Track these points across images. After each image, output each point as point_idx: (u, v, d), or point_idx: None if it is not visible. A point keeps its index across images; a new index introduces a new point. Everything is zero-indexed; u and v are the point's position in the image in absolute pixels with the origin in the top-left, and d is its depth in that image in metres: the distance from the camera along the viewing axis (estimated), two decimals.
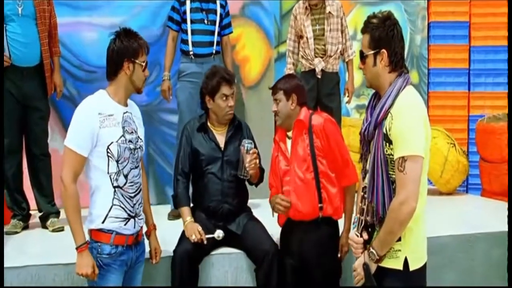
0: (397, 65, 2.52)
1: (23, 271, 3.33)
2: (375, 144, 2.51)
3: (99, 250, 2.79)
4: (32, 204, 4.40)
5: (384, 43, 2.48)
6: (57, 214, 4.34)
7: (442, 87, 7.21)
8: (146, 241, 3.18)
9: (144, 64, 2.88)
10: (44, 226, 4.32)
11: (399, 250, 2.50)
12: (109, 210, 2.79)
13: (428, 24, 7.24)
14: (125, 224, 2.83)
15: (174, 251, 3.40)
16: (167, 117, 5.23)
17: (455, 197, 5.59)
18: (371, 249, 2.50)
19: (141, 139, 2.96)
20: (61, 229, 4.19)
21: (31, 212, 4.41)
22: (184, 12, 4.70)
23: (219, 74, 3.54)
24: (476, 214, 4.81)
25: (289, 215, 3.33)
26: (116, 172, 2.79)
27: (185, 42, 4.74)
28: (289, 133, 3.37)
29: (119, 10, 5.10)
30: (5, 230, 4.08)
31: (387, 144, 2.46)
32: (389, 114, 2.45)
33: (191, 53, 4.69)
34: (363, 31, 2.56)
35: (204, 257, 3.54)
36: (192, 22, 4.69)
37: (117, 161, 2.78)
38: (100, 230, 2.80)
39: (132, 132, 2.88)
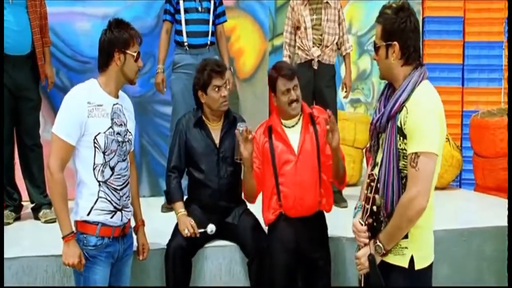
0: (410, 58, 2.42)
1: (15, 262, 3.31)
2: (388, 137, 2.43)
3: (85, 241, 2.76)
4: (24, 195, 4.37)
5: (395, 35, 2.39)
6: (49, 205, 4.29)
7: (436, 82, 7.10)
8: (135, 235, 3.15)
9: (135, 54, 2.83)
10: (36, 217, 4.29)
11: (406, 248, 2.44)
12: (95, 203, 2.76)
13: (423, 19, 7.23)
14: (111, 217, 2.79)
15: (168, 244, 3.39)
16: (161, 108, 5.20)
17: (449, 191, 5.59)
18: (378, 242, 2.43)
19: (130, 132, 2.92)
20: (53, 221, 4.15)
21: (23, 203, 4.38)
22: (178, 2, 4.67)
23: (209, 67, 3.50)
24: (469, 209, 4.82)
25: (286, 212, 3.28)
26: (102, 164, 2.75)
27: (179, 32, 4.71)
28: (286, 122, 3.32)
29: (113, 0, 5.05)
30: None
31: (401, 138, 2.38)
32: (404, 108, 2.37)
33: (185, 44, 4.66)
34: (377, 20, 2.47)
35: (197, 250, 3.53)
36: (186, 11, 4.66)
37: (103, 153, 2.75)
38: (86, 221, 2.76)
39: (121, 125, 2.84)
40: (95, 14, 4.99)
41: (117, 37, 2.78)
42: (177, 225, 3.45)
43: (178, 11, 4.68)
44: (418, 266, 2.44)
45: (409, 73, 2.42)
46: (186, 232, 3.32)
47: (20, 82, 4.14)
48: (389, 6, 2.45)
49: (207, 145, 3.54)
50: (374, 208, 2.44)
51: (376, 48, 2.48)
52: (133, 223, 3.11)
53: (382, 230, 2.44)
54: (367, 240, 2.48)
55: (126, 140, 2.88)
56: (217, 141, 3.55)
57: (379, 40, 2.46)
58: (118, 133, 2.81)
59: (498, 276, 4.00)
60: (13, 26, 4.07)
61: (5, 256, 3.25)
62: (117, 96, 2.88)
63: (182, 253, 3.35)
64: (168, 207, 4.49)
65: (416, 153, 2.31)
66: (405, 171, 2.39)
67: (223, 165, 3.54)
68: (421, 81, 2.39)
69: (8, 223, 4.12)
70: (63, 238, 2.71)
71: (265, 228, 3.47)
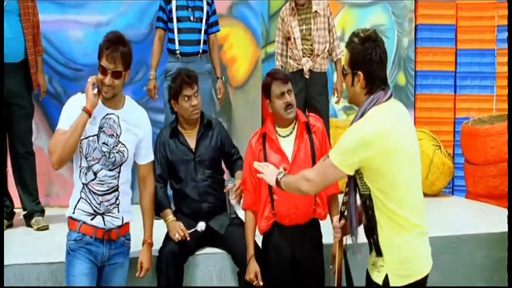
0: (374, 87, 2.47)
1: (6, 270, 3.28)
2: None
3: (69, 236, 2.93)
4: (17, 202, 4.38)
5: (360, 65, 2.45)
6: (41, 212, 4.31)
7: (429, 89, 7.24)
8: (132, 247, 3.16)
9: (100, 67, 2.86)
10: (28, 225, 4.29)
11: (382, 266, 2.49)
12: (77, 202, 2.92)
13: (415, 26, 7.27)
14: (91, 219, 2.90)
15: (159, 251, 3.40)
16: (154, 116, 5.16)
17: (440, 198, 5.62)
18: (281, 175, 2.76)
19: (122, 144, 2.94)
20: (45, 228, 4.17)
21: (15, 210, 4.38)
22: (170, 11, 4.70)
23: (180, 77, 3.57)
24: (460, 216, 4.85)
25: (280, 221, 3.27)
26: (86, 167, 2.88)
27: (171, 41, 4.74)
28: (281, 131, 3.31)
29: (106, 8, 5.08)
30: None
31: None
32: None
33: (177, 52, 4.69)
34: (346, 47, 2.54)
35: (188, 256, 3.53)
36: (178, 20, 4.69)
37: (85, 158, 2.87)
38: (71, 217, 2.94)
39: (111, 135, 2.91)
40: (88, 22, 5.01)
41: (99, 46, 2.90)
42: (168, 232, 3.46)
43: (171, 20, 4.71)
44: (393, 283, 2.46)
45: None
46: (177, 236, 3.35)
47: (13, 90, 4.15)
48: (357, 34, 2.50)
49: (184, 153, 3.60)
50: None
51: (344, 74, 2.55)
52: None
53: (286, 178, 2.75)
54: (339, 235, 2.75)
55: (115, 151, 2.91)
56: (192, 146, 3.61)
57: (347, 67, 2.52)
58: (104, 143, 2.88)
59: (489, 283, 4.02)
60: (7, 33, 4.09)
61: None
62: (117, 107, 2.95)
63: (174, 258, 3.36)
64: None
65: (328, 155, 2.50)
66: (363, 192, 2.53)
67: (200, 169, 3.59)
68: (370, 108, 2.43)
69: None
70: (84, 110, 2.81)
71: (259, 236, 3.46)
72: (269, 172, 2.84)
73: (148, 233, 3.21)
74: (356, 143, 2.38)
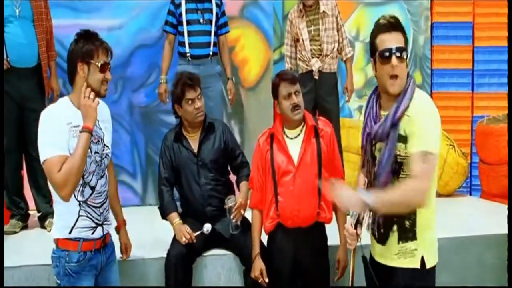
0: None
1: (18, 271, 3.38)
2: (389, 143, 2.50)
3: (67, 258, 2.72)
4: (31, 204, 4.46)
5: (407, 46, 2.56)
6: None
7: (445, 88, 7.15)
8: (115, 238, 3.10)
9: (99, 64, 2.68)
10: (42, 226, 4.38)
11: (415, 249, 2.56)
12: (76, 221, 2.71)
13: (431, 24, 7.20)
14: (92, 233, 2.76)
15: (168, 253, 3.45)
16: (166, 118, 5.26)
17: (454, 198, 5.58)
18: (370, 196, 2.43)
19: (107, 146, 2.84)
20: None
21: (30, 212, 4.46)
22: (180, 14, 4.75)
23: (182, 81, 3.57)
24: (472, 216, 4.80)
25: (283, 222, 3.28)
26: (81, 184, 2.68)
27: (182, 44, 4.78)
28: (289, 132, 3.32)
29: (118, 12, 5.15)
30: (4, 230, 4.14)
31: (402, 144, 2.48)
32: (405, 116, 2.47)
33: (188, 54, 4.73)
34: (397, 28, 2.53)
35: (196, 257, 3.57)
36: (188, 23, 4.73)
37: (82, 176, 2.67)
38: (67, 239, 2.73)
39: (98, 142, 2.77)
40: (100, 26, 5.04)
41: (80, 48, 2.67)
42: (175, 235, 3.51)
43: (181, 23, 4.76)
44: (428, 265, 2.57)
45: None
46: (183, 239, 3.38)
47: (26, 94, 4.23)
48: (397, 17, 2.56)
49: (187, 157, 3.63)
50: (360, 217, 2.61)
51: (405, 56, 2.52)
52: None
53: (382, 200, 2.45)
54: (355, 242, 2.62)
55: (104, 156, 2.82)
56: (195, 149, 3.63)
57: (405, 46, 2.52)
58: (96, 152, 2.76)
59: (499, 284, 3.98)
60: (22, 39, 4.18)
61: (8, 264, 3.31)
62: None
63: (182, 259, 3.40)
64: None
65: (426, 151, 2.40)
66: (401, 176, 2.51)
67: (203, 172, 3.62)
68: (415, 89, 2.54)
69: (15, 232, 4.21)
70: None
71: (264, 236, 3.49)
72: (347, 198, 2.52)
73: (120, 216, 3.16)
74: (439, 125, 2.50)
